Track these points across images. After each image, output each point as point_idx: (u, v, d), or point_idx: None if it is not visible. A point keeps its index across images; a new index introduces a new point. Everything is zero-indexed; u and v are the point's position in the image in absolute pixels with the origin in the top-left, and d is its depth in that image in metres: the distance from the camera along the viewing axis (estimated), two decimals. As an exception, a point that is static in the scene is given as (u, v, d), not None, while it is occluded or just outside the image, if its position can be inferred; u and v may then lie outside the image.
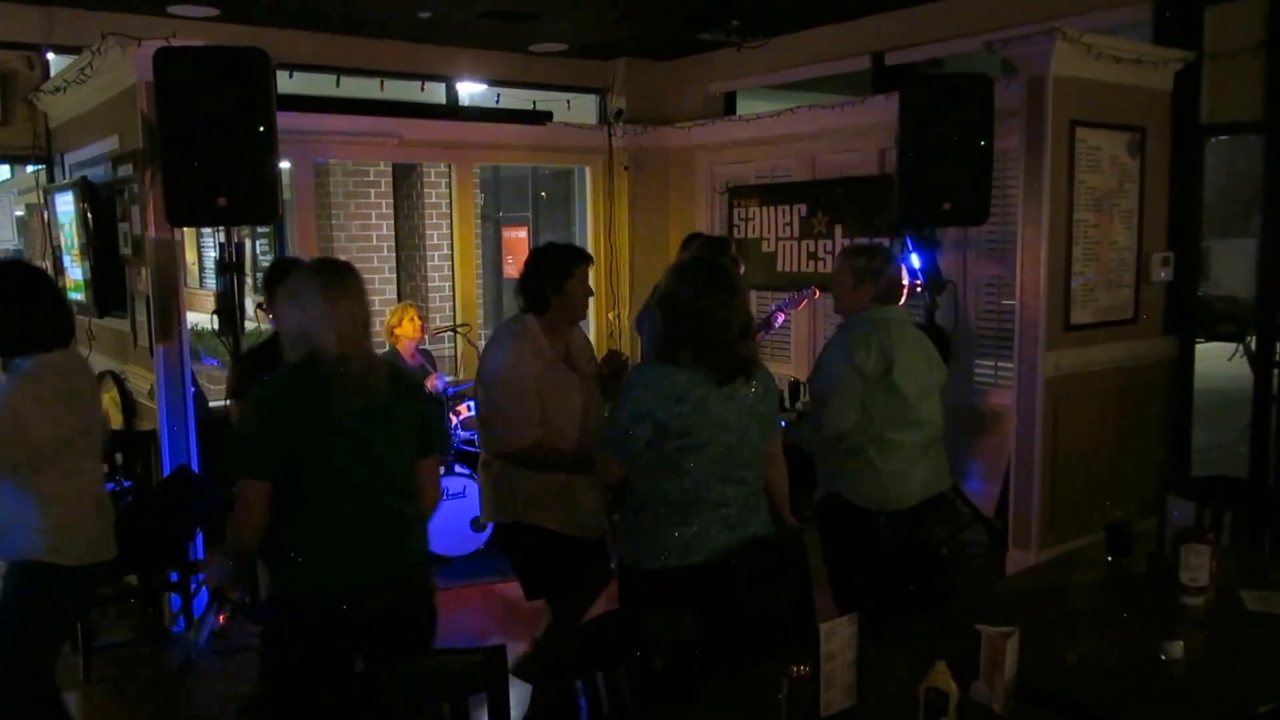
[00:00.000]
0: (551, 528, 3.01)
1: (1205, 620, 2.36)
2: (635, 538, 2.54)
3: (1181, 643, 2.14)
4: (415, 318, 5.21)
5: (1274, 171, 4.62)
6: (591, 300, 7.22)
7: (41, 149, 5.38)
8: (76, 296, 4.92)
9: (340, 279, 2.32)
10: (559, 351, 3.04)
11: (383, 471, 2.31)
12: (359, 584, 2.29)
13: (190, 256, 12.37)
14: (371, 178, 7.49)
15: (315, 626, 2.29)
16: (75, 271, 4.92)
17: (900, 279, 3.19)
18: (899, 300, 3.18)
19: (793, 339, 6.25)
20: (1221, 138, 5.16)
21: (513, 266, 9.00)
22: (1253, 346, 4.87)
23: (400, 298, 7.44)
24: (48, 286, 2.65)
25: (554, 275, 2.99)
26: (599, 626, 2.24)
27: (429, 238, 7.61)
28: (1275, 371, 4.66)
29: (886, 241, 5.24)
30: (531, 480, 3.00)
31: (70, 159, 5.15)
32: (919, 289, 4.72)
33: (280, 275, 2.92)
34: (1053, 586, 2.71)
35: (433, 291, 7.58)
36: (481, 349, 3.20)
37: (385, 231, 7.60)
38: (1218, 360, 8.59)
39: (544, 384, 2.95)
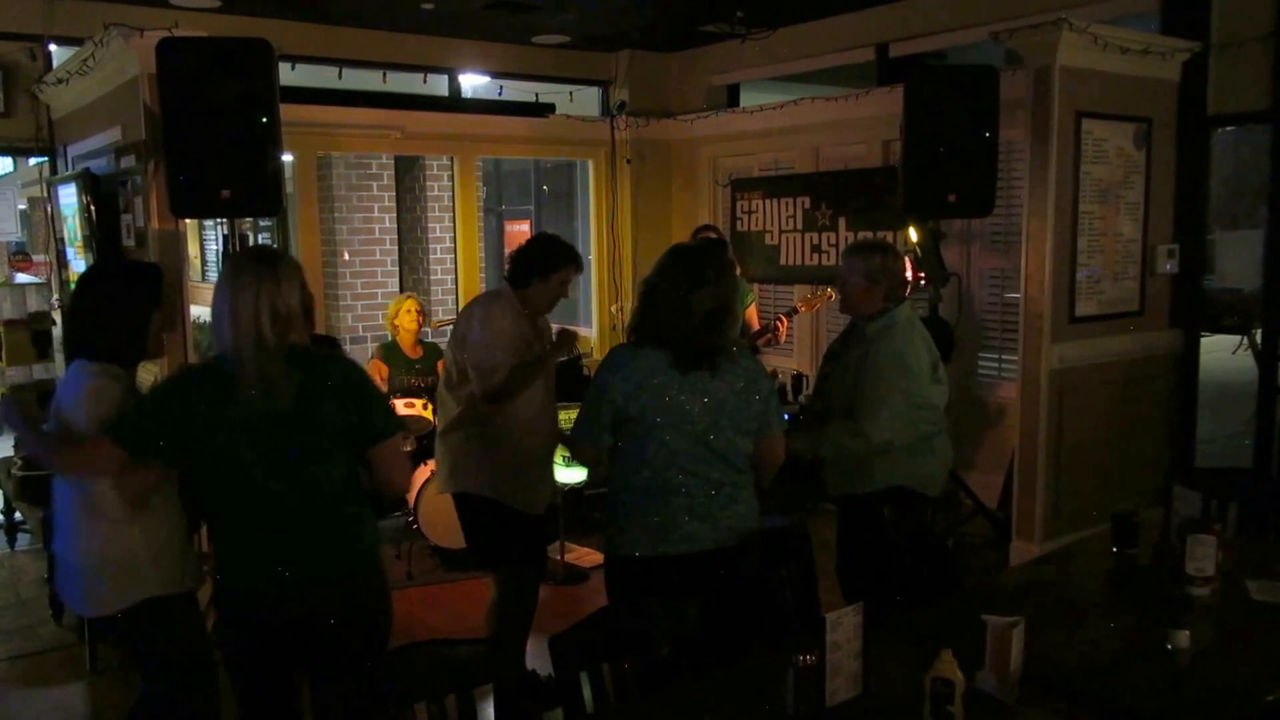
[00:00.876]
0: (498, 499, 3.18)
1: (1211, 610, 2.36)
2: (611, 525, 2.55)
3: (1187, 633, 2.14)
4: (413, 309, 5.19)
5: (1280, 162, 4.61)
6: (594, 293, 7.24)
7: (44, 141, 5.38)
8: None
9: (247, 269, 2.17)
10: (534, 327, 3.26)
11: (298, 477, 2.18)
12: (269, 589, 2.19)
13: (193, 250, 12.35)
14: (374, 170, 7.49)
15: (234, 630, 2.28)
16: (78, 264, 4.92)
17: (905, 272, 3.20)
18: (906, 294, 3.19)
19: (796, 332, 6.25)
20: (1228, 129, 5.14)
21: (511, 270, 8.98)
22: (1258, 340, 4.86)
23: (403, 290, 7.44)
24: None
25: (546, 263, 3.20)
26: (604, 617, 2.24)
27: (431, 230, 7.61)
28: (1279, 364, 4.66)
29: (890, 235, 5.27)
30: (484, 452, 3.18)
31: (73, 151, 5.15)
32: (923, 282, 4.71)
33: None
34: (1058, 577, 2.71)
35: (435, 284, 7.58)
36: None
37: (388, 224, 7.60)
38: (1221, 353, 8.57)
39: (518, 344, 3.14)
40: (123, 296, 2.48)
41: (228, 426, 2.14)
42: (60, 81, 4.79)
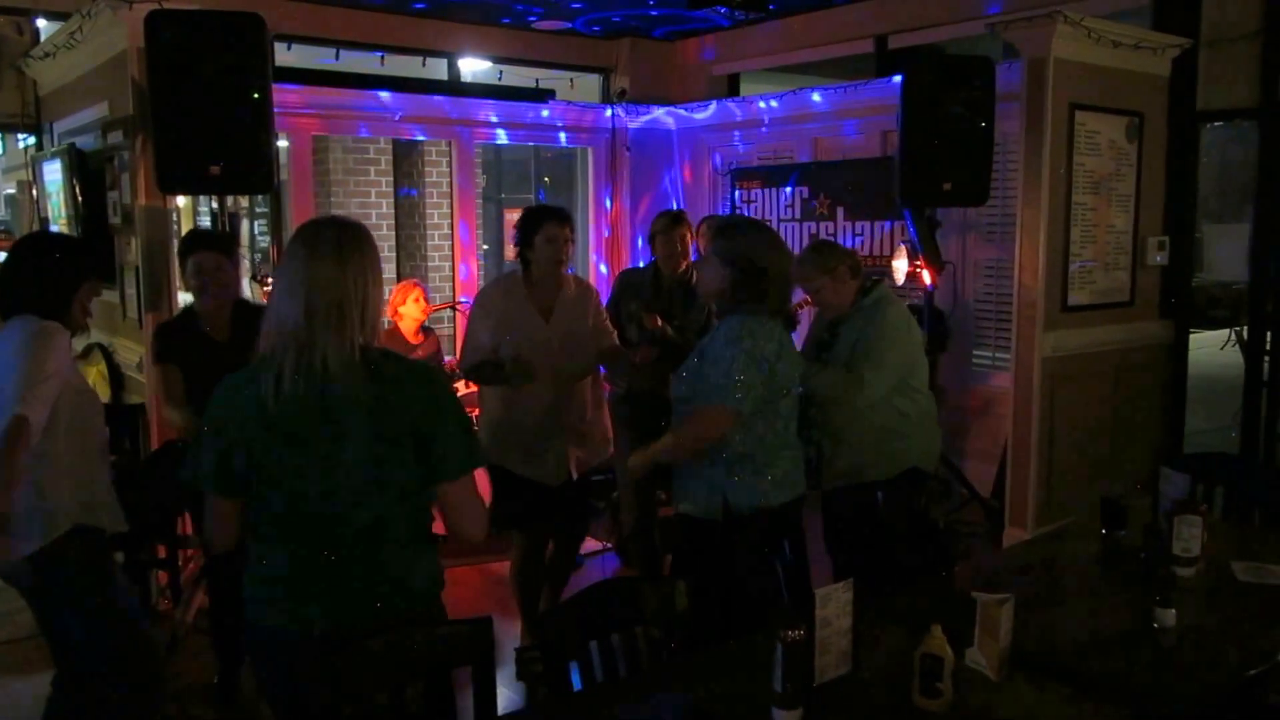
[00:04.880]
0: (513, 469, 3.33)
1: (1197, 590, 2.37)
2: (729, 485, 2.62)
3: (1174, 611, 2.15)
4: (420, 297, 5.14)
5: (1267, 158, 4.63)
6: (591, 280, 7.19)
7: (31, 117, 5.28)
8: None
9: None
10: (538, 303, 3.34)
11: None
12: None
13: (185, 235, 12.23)
14: (371, 155, 7.43)
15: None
16: (65, 241, 4.86)
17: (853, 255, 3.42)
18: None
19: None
20: (1218, 124, 5.17)
21: (515, 250, 8.93)
22: (1245, 335, 4.90)
23: (400, 277, 7.40)
24: None
25: (524, 233, 3.32)
26: (594, 596, 2.22)
27: (429, 217, 7.55)
28: (1266, 358, 4.67)
29: (887, 223, 5.29)
30: (490, 423, 3.36)
31: (60, 127, 5.07)
32: (918, 270, 4.71)
33: (182, 245, 3.22)
34: (1048, 558, 2.72)
35: (433, 271, 7.52)
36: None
37: (385, 210, 7.55)
38: (1211, 348, 8.61)
39: (504, 322, 3.28)
40: (53, 260, 2.55)
41: None
42: (47, 56, 4.71)
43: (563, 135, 6.75)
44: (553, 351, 3.29)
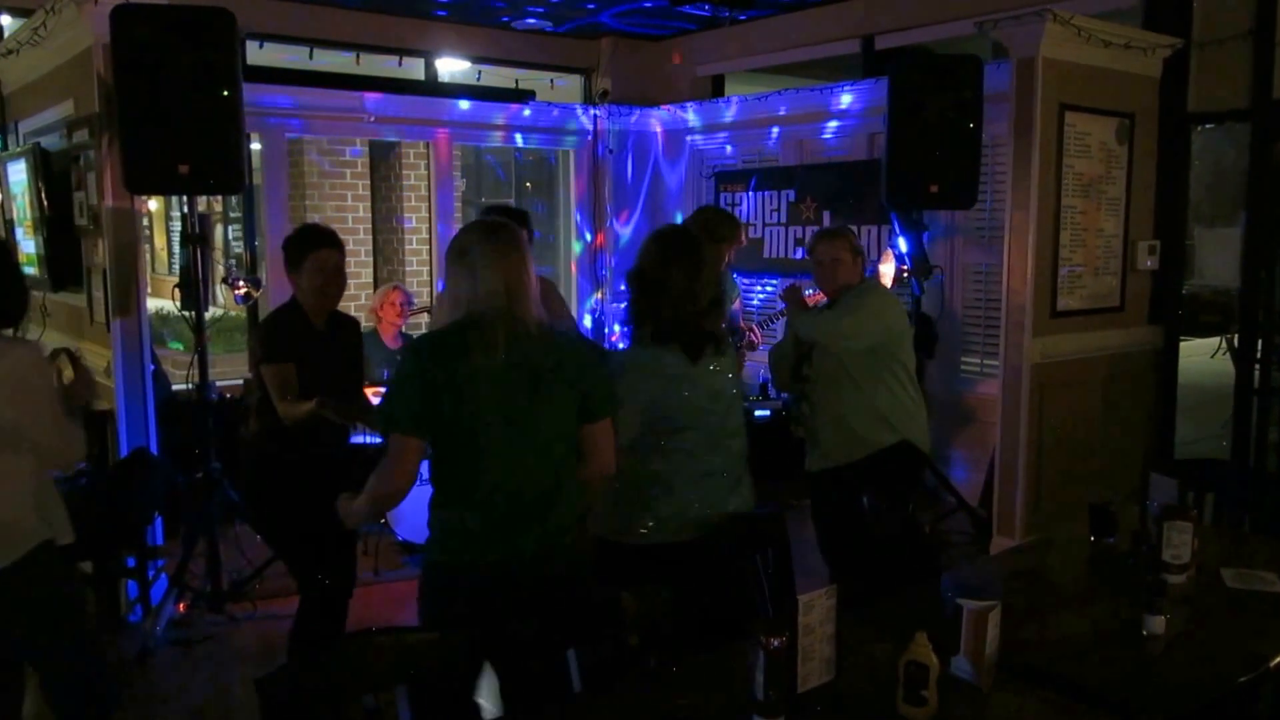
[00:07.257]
0: None
1: (1186, 596, 2.33)
2: (616, 513, 2.50)
3: (1163, 618, 2.11)
4: (396, 301, 5.09)
5: (1259, 161, 4.59)
6: (574, 284, 7.08)
7: (-7, 117, 5.20)
8: (29, 270, 4.75)
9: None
10: None
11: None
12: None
13: (159, 241, 12.15)
14: (347, 157, 7.36)
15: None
16: (28, 244, 4.75)
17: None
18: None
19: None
20: (1209, 126, 5.13)
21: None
22: (1236, 342, 4.85)
23: (377, 281, 7.32)
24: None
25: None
26: (574, 604, 2.17)
27: (407, 221, 7.48)
28: (1256, 365, 4.62)
29: (875, 229, 5.23)
30: None
31: (24, 126, 4.97)
32: (906, 274, 4.65)
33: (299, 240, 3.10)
34: (1036, 565, 2.69)
35: (410, 276, 7.44)
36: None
37: (362, 213, 7.47)
38: (1200, 357, 8.60)
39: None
40: None
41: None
42: (10, 53, 4.62)
43: (543, 137, 6.68)
44: None
